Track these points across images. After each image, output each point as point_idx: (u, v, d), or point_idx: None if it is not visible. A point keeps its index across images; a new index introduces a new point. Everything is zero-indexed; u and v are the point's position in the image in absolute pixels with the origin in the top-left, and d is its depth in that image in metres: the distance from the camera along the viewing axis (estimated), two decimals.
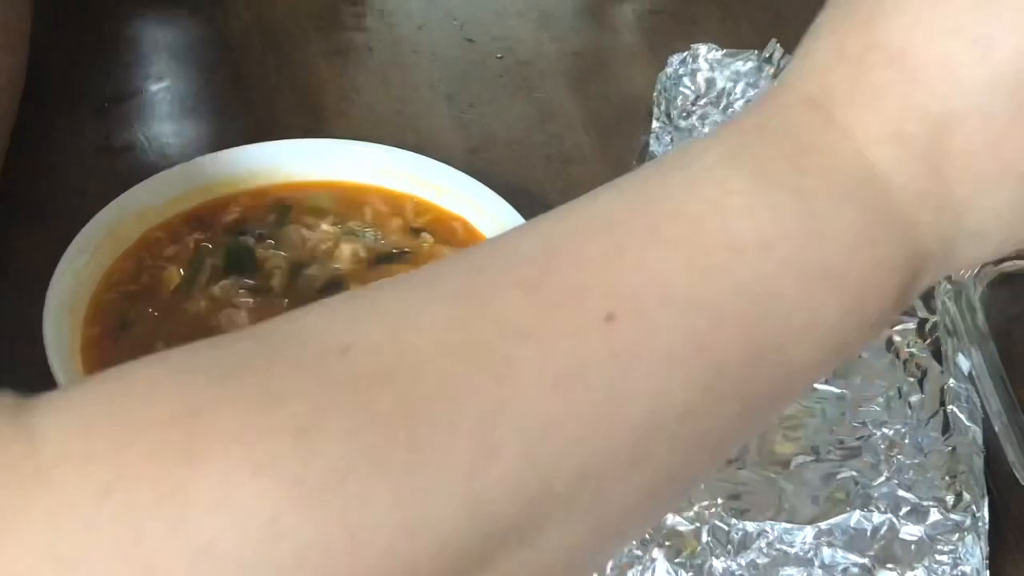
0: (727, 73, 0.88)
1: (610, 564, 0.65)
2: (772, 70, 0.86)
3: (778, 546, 0.67)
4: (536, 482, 0.38)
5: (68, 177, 0.85)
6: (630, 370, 0.39)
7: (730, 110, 0.87)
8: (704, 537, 0.66)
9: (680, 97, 0.87)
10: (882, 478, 0.69)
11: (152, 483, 0.35)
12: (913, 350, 0.75)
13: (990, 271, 0.77)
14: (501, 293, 0.40)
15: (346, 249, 0.78)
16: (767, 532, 0.67)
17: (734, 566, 0.66)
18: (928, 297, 0.77)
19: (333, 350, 0.38)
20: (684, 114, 0.87)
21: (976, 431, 0.72)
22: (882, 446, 0.71)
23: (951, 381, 0.73)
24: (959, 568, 0.66)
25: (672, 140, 0.85)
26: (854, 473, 0.70)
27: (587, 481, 0.39)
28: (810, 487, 0.69)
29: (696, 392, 0.40)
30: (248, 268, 0.77)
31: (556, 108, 0.92)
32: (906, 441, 0.71)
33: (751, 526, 0.67)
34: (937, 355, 0.75)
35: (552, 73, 0.94)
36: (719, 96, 0.87)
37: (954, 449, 0.70)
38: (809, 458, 0.71)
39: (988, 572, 0.67)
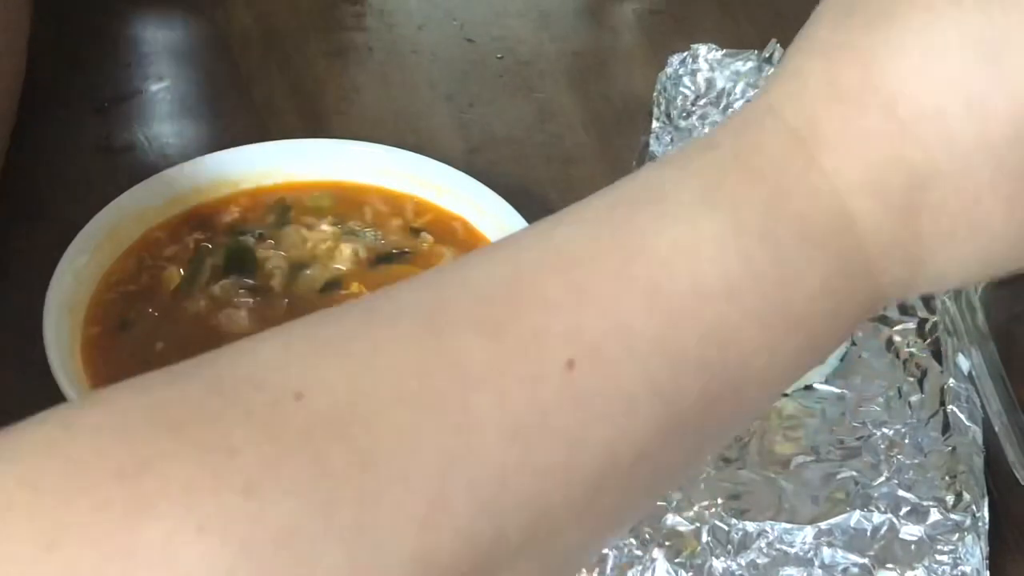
0: (727, 73, 0.88)
1: (610, 564, 0.65)
2: (772, 70, 0.86)
3: (778, 546, 0.67)
4: (490, 532, 0.37)
5: (68, 177, 0.85)
6: (589, 418, 0.39)
7: (730, 110, 0.87)
8: (704, 537, 0.66)
9: (680, 97, 0.87)
10: (882, 478, 0.69)
11: (97, 540, 0.34)
12: (913, 350, 0.75)
13: None
14: (462, 336, 0.39)
15: (346, 249, 0.78)
16: (767, 532, 0.67)
17: (734, 566, 0.66)
18: (928, 297, 0.77)
19: (288, 395, 0.37)
20: (684, 114, 0.87)
21: (976, 431, 0.72)
22: (882, 446, 0.71)
23: (951, 381, 0.73)
24: (959, 568, 0.66)
25: (672, 140, 0.85)
26: (854, 473, 0.70)
27: (541, 528, 0.38)
28: (810, 487, 0.69)
29: (652, 435, 0.40)
30: (248, 268, 0.77)
31: (556, 108, 0.92)
32: (906, 441, 0.71)
33: (751, 526, 0.67)
34: (937, 355, 0.75)
35: (552, 73, 0.94)
36: (719, 96, 0.88)
37: (954, 449, 0.70)
38: (809, 458, 0.71)
39: (988, 572, 0.67)
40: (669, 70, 0.88)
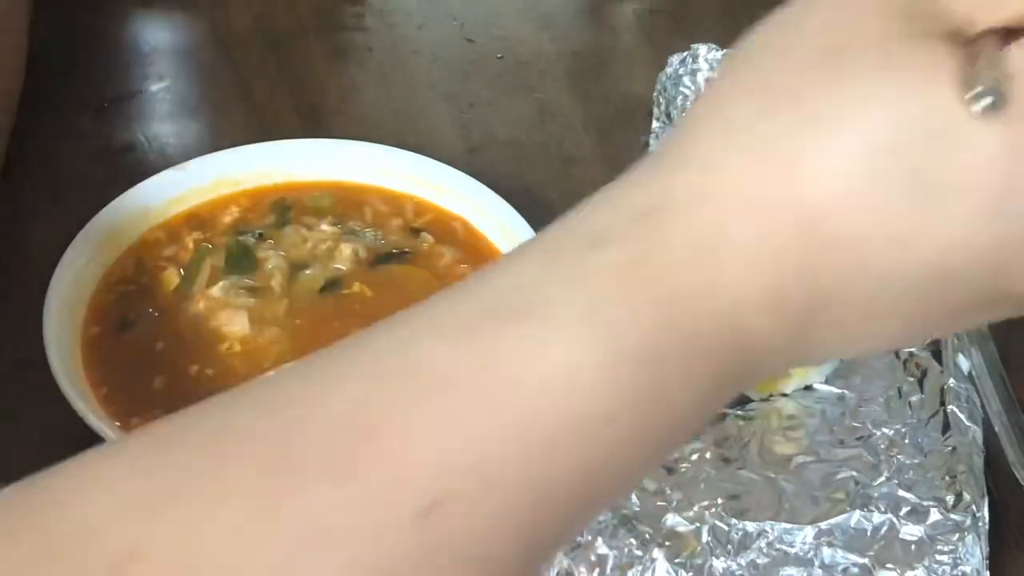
0: None
1: (610, 564, 0.65)
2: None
3: (778, 546, 0.67)
4: None
5: (68, 177, 0.85)
6: (444, 564, 0.37)
7: None
8: (704, 537, 0.66)
9: (680, 97, 0.87)
10: (882, 478, 0.69)
11: None
12: (913, 350, 0.75)
13: None
14: (310, 485, 0.36)
15: (346, 249, 0.78)
16: (767, 532, 0.67)
17: (734, 566, 0.66)
18: None
19: (120, 557, 0.35)
20: (684, 114, 0.87)
21: (976, 431, 0.71)
22: (882, 446, 0.71)
23: (951, 381, 0.73)
24: (959, 568, 0.66)
25: None
26: (854, 473, 0.69)
27: None
28: (810, 487, 0.69)
29: (511, 569, 0.38)
30: (248, 268, 0.77)
31: (556, 108, 0.92)
32: (906, 441, 0.71)
33: (751, 526, 0.67)
34: (937, 355, 0.75)
35: (552, 73, 0.94)
36: None
37: (954, 449, 0.70)
38: (809, 458, 0.70)
39: (988, 572, 0.67)
40: (669, 70, 0.88)
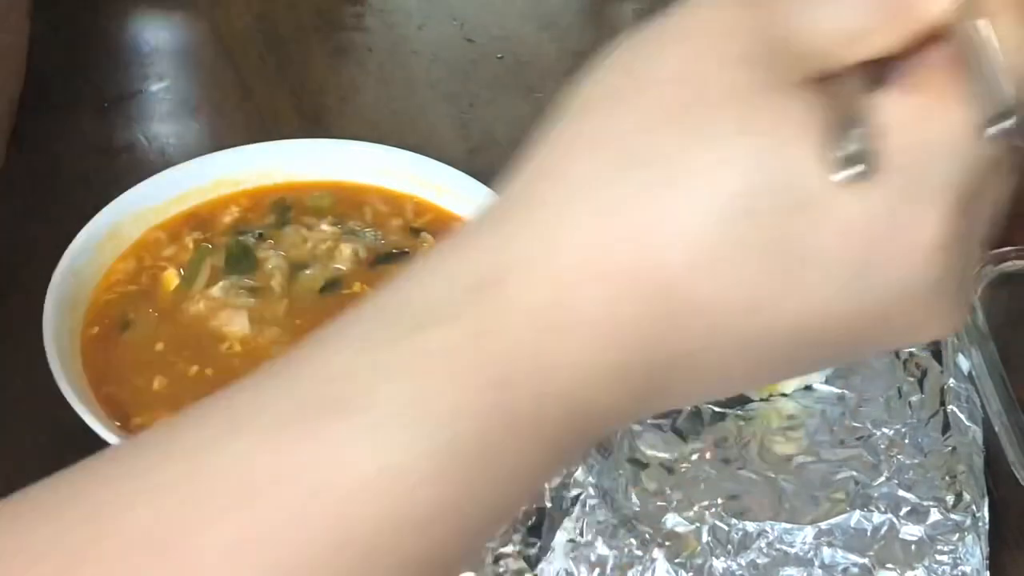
0: None
1: (610, 564, 0.65)
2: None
3: (778, 546, 0.67)
4: None
5: (68, 177, 0.85)
6: None
7: None
8: (704, 537, 0.66)
9: None
10: (882, 478, 0.69)
11: None
12: (913, 350, 0.75)
13: (990, 271, 0.77)
14: None
15: (346, 249, 0.78)
16: (767, 532, 0.67)
17: (734, 566, 0.66)
18: None
19: None
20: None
21: (976, 431, 0.71)
22: (882, 446, 0.71)
23: (951, 381, 0.73)
24: (959, 568, 0.66)
25: None
26: (854, 473, 0.69)
27: None
28: (810, 487, 0.69)
29: None
30: (248, 268, 0.77)
31: None
32: (906, 441, 0.71)
33: (751, 526, 0.67)
34: (937, 355, 0.75)
35: (552, 73, 0.94)
36: None
37: (954, 449, 0.70)
38: (809, 458, 0.70)
39: (988, 572, 0.67)
40: None
